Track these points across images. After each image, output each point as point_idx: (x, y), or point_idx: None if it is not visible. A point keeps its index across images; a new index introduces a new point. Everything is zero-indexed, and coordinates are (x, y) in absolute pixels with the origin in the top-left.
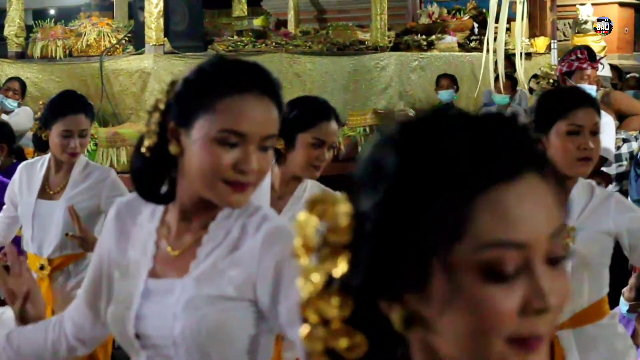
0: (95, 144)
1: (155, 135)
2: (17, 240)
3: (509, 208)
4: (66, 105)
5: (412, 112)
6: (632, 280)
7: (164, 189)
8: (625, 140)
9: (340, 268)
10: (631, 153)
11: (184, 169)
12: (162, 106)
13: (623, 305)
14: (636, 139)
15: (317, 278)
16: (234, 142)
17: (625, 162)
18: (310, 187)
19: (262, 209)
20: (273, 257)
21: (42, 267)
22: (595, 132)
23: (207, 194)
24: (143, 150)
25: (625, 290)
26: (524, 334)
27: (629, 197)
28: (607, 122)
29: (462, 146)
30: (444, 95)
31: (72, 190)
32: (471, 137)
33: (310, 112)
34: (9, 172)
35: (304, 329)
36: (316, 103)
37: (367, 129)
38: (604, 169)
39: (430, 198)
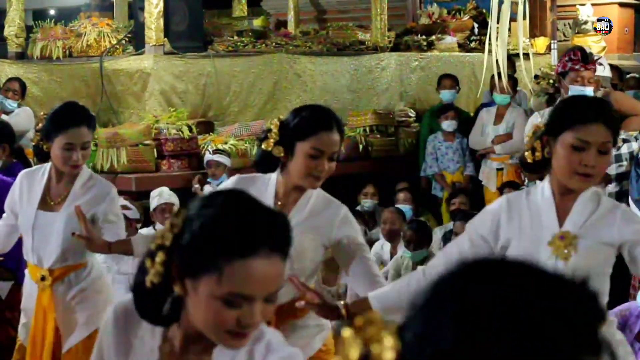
0: (96, 144)
1: (160, 275)
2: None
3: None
4: (68, 119)
5: (412, 113)
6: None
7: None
8: (625, 141)
9: None
10: (631, 153)
11: (187, 305)
12: (167, 243)
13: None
14: (636, 139)
15: None
16: (240, 303)
17: (625, 163)
18: (315, 197)
19: (266, 333)
20: None
21: (43, 278)
22: (604, 152)
23: (209, 337)
24: (147, 283)
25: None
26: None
27: (629, 198)
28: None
29: (524, 325)
30: (446, 95)
31: (73, 202)
32: (534, 315)
33: (311, 121)
34: (8, 172)
35: None
36: (318, 112)
37: (368, 129)
38: None
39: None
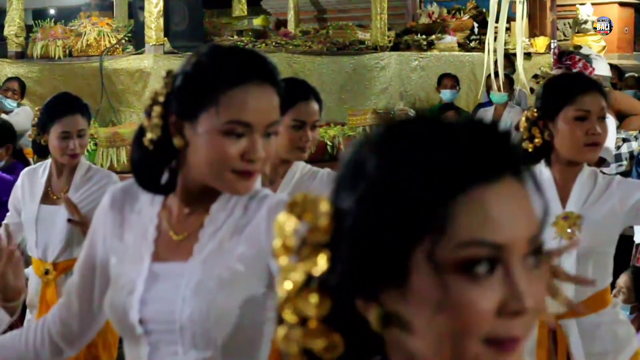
0: (95, 144)
1: (158, 128)
2: None
3: (488, 208)
4: (62, 107)
5: (412, 112)
6: (620, 283)
7: (164, 178)
8: (625, 140)
9: (320, 267)
10: (631, 153)
11: (187, 159)
12: (162, 99)
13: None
14: (636, 138)
15: (296, 277)
16: (240, 132)
17: (625, 162)
18: (300, 170)
19: (261, 190)
20: None
21: (47, 272)
22: (602, 117)
23: (215, 184)
24: (145, 143)
25: (615, 293)
26: (500, 334)
27: None
28: (607, 122)
29: (444, 147)
30: (447, 94)
31: (74, 194)
32: (452, 139)
33: (288, 94)
34: (9, 171)
35: (281, 330)
36: (294, 84)
37: (367, 129)
38: (603, 169)
39: (411, 195)
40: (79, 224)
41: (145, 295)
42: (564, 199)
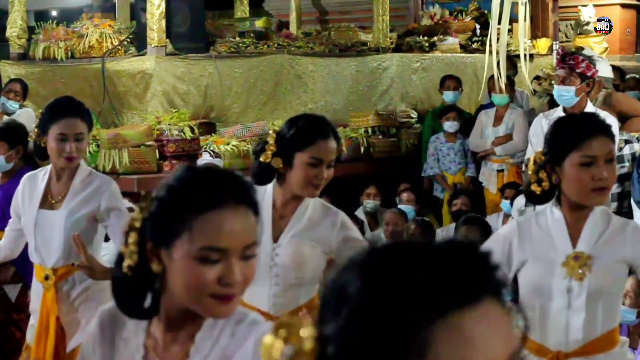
0: (97, 145)
1: (136, 255)
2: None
3: (468, 333)
4: (61, 110)
5: (414, 114)
6: (627, 287)
7: (147, 302)
8: (627, 142)
9: None
10: (633, 154)
11: (167, 283)
12: (137, 224)
13: (628, 314)
14: (638, 140)
15: None
16: (215, 258)
17: (627, 164)
18: (312, 206)
19: (249, 314)
20: None
21: (47, 277)
22: (610, 160)
23: (195, 308)
24: (124, 269)
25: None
26: None
27: (631, 199)
28: (609, 123)
29: (423, 274)
30: (449, 96)
31: (73, 198)
32: (431, 265)
33: (308, 131)
34: (20, 176)
35: None
36: (315, 121)
37: (369, 130)
38: None
39: (392, 323)
40: (84, 267)
41: None
42: (574, 238)
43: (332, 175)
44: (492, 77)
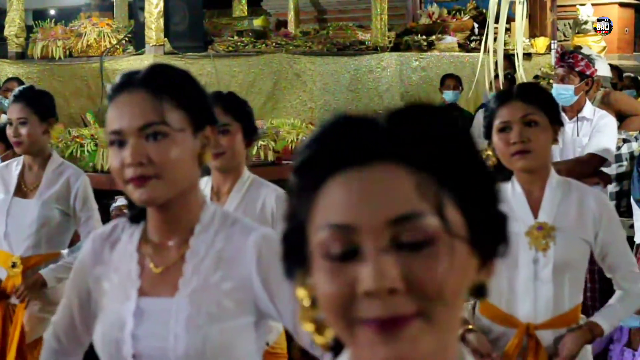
0: (96, 144)
1: None
2: None
3: (337, 193)
4: (13, 97)
5: None
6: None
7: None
8: (625, 141)
9: None
10: (631, 153)
11: None
12: None
13: (633, 319)
14: (636, 139)
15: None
16: (117, 141)
17: (625, 163)
18: (248, 184)
19: (243, 219)
20: (266, 264)
21: (13, 265)
22: (529, 123)
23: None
24: None
25: None
26: (362, 316)
27: (630, 197)
28: (607, 122)
29: (314, 142)
30: (449, 95)
31: (46, 189)
32: (324, 133)
33: None
34: None
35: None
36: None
37: None
38: (604, 169)
39: (297, 185)
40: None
41: (136, 331)
42: (535, 209)
43: (231, 143)
44: (496, 76)
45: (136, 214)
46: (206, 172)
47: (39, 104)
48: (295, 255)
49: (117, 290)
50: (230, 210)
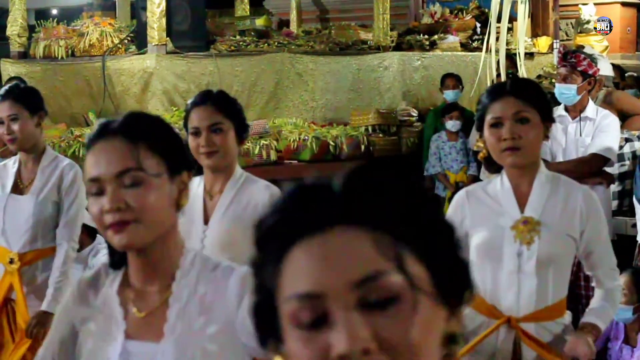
0: None
1: None
2: None
3: (301, 262)
4: (0, 97)
5: (414, 112)
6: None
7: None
8: (627, 140)
9: None
10: (634, 153)
11: None
12: None
13: (624, 311)
14: (639, 138)
15: None
16: (96, 190)
17: (627, 162)
18: (241, 183)
19: (223, 262)
20: (247, 300)
21: (11, 261)
22: (521, 120)
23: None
24: None
25: None
26: None
27: (633, 197)
28: (610, 122)
29: (276, 212)
30: (450, 95)
31: (41, 184)
32: (284, 203)
33: (188, 105)
34: None
35: None
36: (197, 95)
37: (370, 129)
38: (606, 168)
39: (263, 256)
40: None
41: None
42: (522, 203)
43: (221, 141)
44: (498, 75)
45: (116, 260)
46: (199, 171)
47: (28, 98)
48: (266, 325)
49: (104, 332)
50: (223, 208)
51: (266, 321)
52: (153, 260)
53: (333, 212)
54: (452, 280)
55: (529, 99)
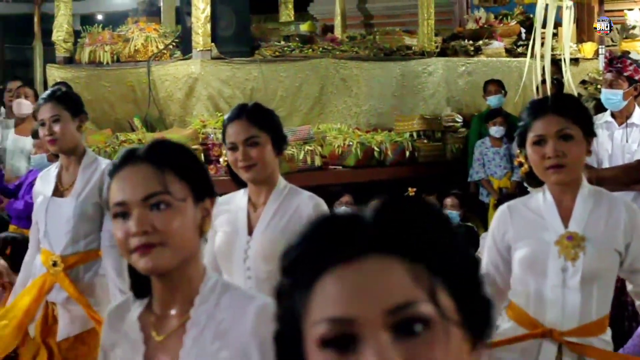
0: None
1: None
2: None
3: (333, 288)
4: (42, 99)
5: (459, 118)
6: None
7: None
8: None
9: None
10: None
11: None
12: None
13: None
14: None
15: None
16: (122, 213)
17: None
18: (284, 194)
19: (244, 289)
20: (264, 330)
21: (54, 264)
22: (564, 137)
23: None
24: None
25: None
26: None
27: None
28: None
29: (305, 241)
30: (493, 100)
31: (81, 186)
32: (312, 232)
33: (225, 120)
34: None
35: None
36: (234, 109)
37: (414, 134)
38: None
39: (289, 288)
40: None
41: None
42: (565, 218)
43: (258, 154)
44: (543, 81)
45: (140, 289)
46: (243, 184)
47: (69, 101)
48: (289, 354)
49: (127, 356)
50: (267, 219)
51: (290, 349)
52: (174, 285)
53: (366, 241)
54: (477, 314)
55: (571, 116)
